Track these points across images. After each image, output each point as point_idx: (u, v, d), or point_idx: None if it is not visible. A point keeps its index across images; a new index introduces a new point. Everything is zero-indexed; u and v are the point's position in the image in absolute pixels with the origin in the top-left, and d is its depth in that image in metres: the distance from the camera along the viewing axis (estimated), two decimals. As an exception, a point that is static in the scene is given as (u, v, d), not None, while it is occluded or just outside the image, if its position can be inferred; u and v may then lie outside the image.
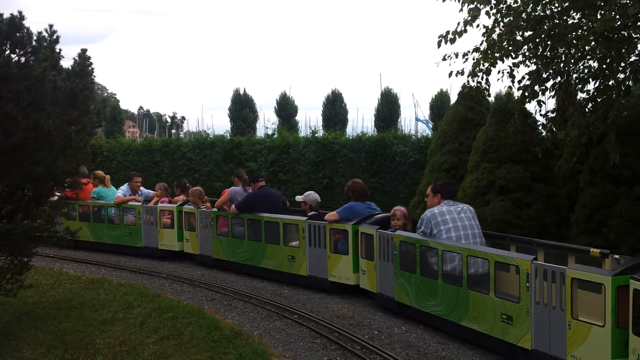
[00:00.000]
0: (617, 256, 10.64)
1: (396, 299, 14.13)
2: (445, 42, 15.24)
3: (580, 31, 14.82)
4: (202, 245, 19.47)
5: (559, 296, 9.72)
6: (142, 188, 23.66)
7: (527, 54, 15.68)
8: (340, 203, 25.87)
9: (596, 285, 9.09)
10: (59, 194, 17.00)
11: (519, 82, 16.26)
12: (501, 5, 15.07)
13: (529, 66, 16.00)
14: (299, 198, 18.27)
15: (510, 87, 16.70)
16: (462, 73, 15.90)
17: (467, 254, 11.79)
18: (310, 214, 17.06)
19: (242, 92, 41.34)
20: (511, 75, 16.20)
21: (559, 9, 14.87)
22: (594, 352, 9.05)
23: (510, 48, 15.36)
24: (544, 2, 14.81)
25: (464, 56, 15.78)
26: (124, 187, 23.13)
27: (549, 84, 16.08)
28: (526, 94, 16.09)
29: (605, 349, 8.84)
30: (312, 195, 18.25)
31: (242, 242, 18.18)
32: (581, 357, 9.27)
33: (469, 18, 14.99)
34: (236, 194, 18.75)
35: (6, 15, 13.71)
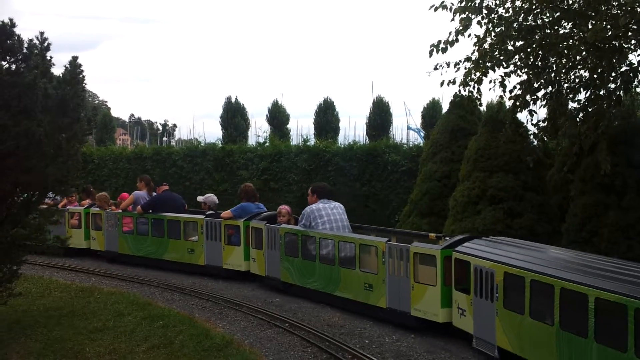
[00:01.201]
0: (446, 237, 14.11)
1: (282, 279, 17.12)
2: (437, 52, 15.27)
3: (571, 41, 14.88)
4: (108, 242, 21.67)
5: (405, 267, 13.55)
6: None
7: (518, 63, 15.72)
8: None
9: (430, 256, 12.94)
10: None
11: (510, 91, 16.30)
12: (492, 15, 15.11)
13: (520, 76, 16.06)
14: (200, 199, 21.44)
15: (501, 97, 16.76)
16: (454, 82, 15.93)
17: (338, 240, 15.42)
18: (208, 213, 19.82)
19: (234, 100, 41.45)
20: (502, 85, 16.24)
21: (550, 19, 14.93)
22: (429, 305, 13.07)
23: (501, 58, 15.40)
24: (535, 12, 14.86)
25: (455, 65, 15.81)
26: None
27: (540, 94, 16.13)
28: (517, 103, 16.12)
29: (437, 302, 12.87)
30: (211, 197, 21.44)
31: (147, 239, 20.58)
32: (420, 309, 13.33)
33: (461, 27, 15.03)
34: (140, 197, 21.24)
35: (-3, 22, 13.71)
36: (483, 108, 20.21)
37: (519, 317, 10.82)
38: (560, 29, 15.00)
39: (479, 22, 15.20)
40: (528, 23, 14.98)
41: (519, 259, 11.31)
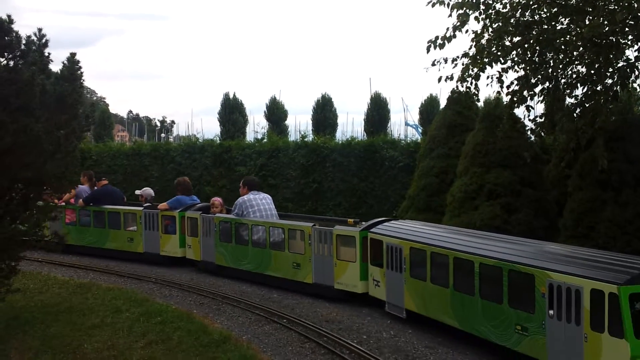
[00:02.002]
0: (362, 222, 16.42)
1: (217, 262, 19.37)
2: (435, 48, 15.27)
3: (568, 37, 14.89)
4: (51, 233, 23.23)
5: (329, 247, 16.04)
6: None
7: (515, 59, 15.72)
8: (330, 207, 25.93)
9: (350, 237, 15.59)
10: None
11: (508, 87, 16.30)
12: (490, 11, 15.11)
13: (517, 71, 16.06)
14: (137, 192, 23.52)
15: (499, 92, 16.74)
16: (452, 78, 15.94)
17: (269, 226, 17.83)
18: (145, 205, 21.81)
19: (232, 96, 41.36)
20: (500, 81, 16.25)
21: (548, 14, 14.93)
22: (350, 278, 15.68)
23: (499, 53, 15.40)
24: (532, 7, 14.87)
25: (453, 61, 15.81)
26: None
27: (537, 89, 16.12)
28: (515, 99, 16.12)
29: (356, 276, 15.51)
30: (148, 190, 23.51)
31: (89, 229, 22.11)
32: (342, 282, 15.92)
33: (458, 23, 15.03)
34: (82, 191, 22.67)
35: (-5, 18, 13.72)
36: (480, 104, 20.22)
37: (422, 284, 13.57)
38: (557, 25, 15.01)
39: (476, 18, 15.21)
40: (525, 19, 14.99)
41: (421, 236, 13.99)
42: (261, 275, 18.04)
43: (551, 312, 10.46)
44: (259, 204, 18.87)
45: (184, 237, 20.30)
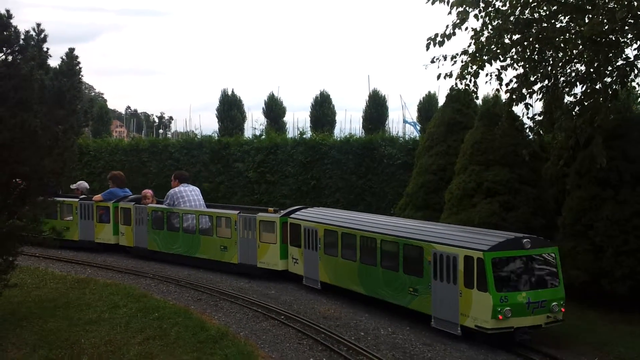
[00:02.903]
0: (281, 210, 19.07)
1: (149, 248, 21.62)
2: (434, 45, 15.26)
3: (568, 35, 14.89)
4: None
5: (253, 232, 18.73)
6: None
7: (515, 57, 15.72)
8: (328, 204, 25.88)
9: (271, 223, 18.31)
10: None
11: (507, 85, 16.29)
12: (489, 9, 15.10)
13: (516, 69, 16.06)
14: (73, 186, 25.33)
15: (498, 90, 16.74)
16: (451, 75, 15.94)
17: (198, 214, 20.40)
18: (81, 197, 23.91)
19: (230, 92, 41.19)
20: (499, 78, 16.25)
21: (547, 12, 14.93)
22: (271, 258, 18.28)
23: (498, 51, 15.40)
24: (532, 5, 14.86)
25: (452, 59, 15.81)
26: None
27: (536, 87, 16.13)
28: (514, 96, 16.12)
29: (276, 255, 18.19)
30: (83, 184, 25.91)
31: None
32: (264, 261, 18.50)
33: (458, 21, 15.02)
34: None
35: (-6, 13, 13.68)
36: (479, 101, 20.20)
37: (334, 259, 16.66)
38: (557, 23, 15.00)
39: (475, 16, 15.21)
40: (525, 16, 14.98)
41: (334, 220, 17.11)
42: (191, 258, 20.64)
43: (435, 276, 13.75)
44: (189, 195, 21.52)
45: (117, 226, 22.60)
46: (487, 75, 16.07)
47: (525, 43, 15.25)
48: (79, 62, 15.18)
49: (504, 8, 14.98)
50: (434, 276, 13.72)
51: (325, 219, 17.39)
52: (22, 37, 14.08)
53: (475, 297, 12.89)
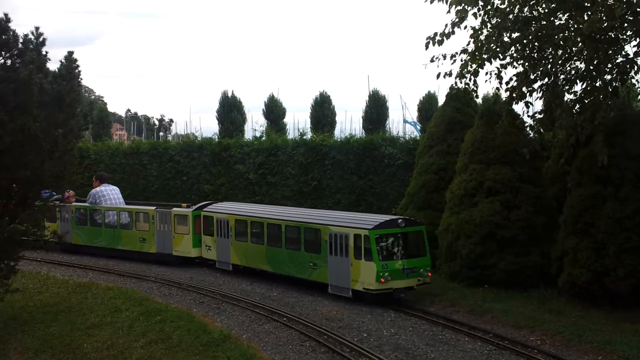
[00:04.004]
0: (193, 206, 22.92)
1: (73, 242, 24.26)
2: (433, 44, 15.21)
3: (567, 32, 14.84)
4: None
5: (168, 224, 22.39)
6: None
7: (514, 55, 15.67)
8: (330, 205, 25.86)
9: (185, 216, 22.18)
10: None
11: (507, 83, 16.24)
12: (488, 7, 15.06)
13: (516, 67, 16.01)
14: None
15: (497, 89, 16.69)
16: (450, 74, 15.87)
17: (119, 211, 23.99)
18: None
19: (230, 94, 41.16)
20: (499, 77, 16.19)
21: (547, 10, 14.88)
22: (185, 247, 22.06)
23: (497, 49, 15.34)
24: (531, 3, 14.82)
25: (451, 58, 15.75)
26: None
27: (536, 85, 16.07)
28: (514, 95, 16.07)
29: (190, 244, 21.91)
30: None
31: None
32: (179, 250, 22.05)
33: (457, 20, 14.97)
34: None
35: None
36: (479, 100, 20.15)
37: (244, 244, 20.45)
38: (556, 20, 14.96)
39: (474, 14, 15.15)
40: (524, 14, 14.94)
41: (243, 211, 21.15)
42: (113, 250, 23.83)
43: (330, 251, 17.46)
44: (109, 194, 24.69)
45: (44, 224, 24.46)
46: (486, 73, 16.03)
47: (525, 41, 15.21)
48: (78, 66, 15.18)
49: (502, 6, 14.93)
50: (329, 252, 17.67)
51: (235, 211, 21.47)
52: (21, 40, 14.09)
53: (363, 266, 16.88)
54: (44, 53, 14.67)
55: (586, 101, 15.62)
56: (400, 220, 17.32)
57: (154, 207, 23.15)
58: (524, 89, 15.96)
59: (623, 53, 15.02)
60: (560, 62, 15.50)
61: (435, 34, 15.18)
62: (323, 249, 17.70)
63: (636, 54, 14.92)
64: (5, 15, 13.67)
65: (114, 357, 12.97)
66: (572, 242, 15.46)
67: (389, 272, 16.48)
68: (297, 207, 24.14)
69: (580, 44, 14.78)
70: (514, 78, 16.07)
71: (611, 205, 15.07)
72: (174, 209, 22.85)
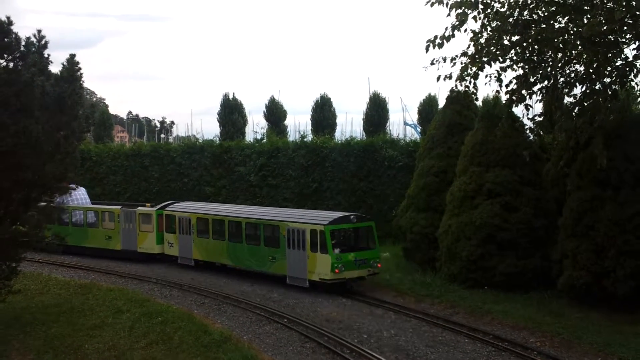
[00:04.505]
0: (156, 205, 24.54)
1: None
2: (434, 47, 15.23)
3: (567, 35, 14.87)
4: None
5: (133, 223, 23.95)
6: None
7: (514, 58, 15.68)
8: (330, 207, 25.93)
9: (149, 215, 23.94)
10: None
11: (507, 86, 16.25)
12: (488, 10, 15.08)
13: (516, 70, 16.02)
14: None
15: (497, 92, 16.70)
16: (450, 77, 15.89)
17: (86, 210, 25.75)
18: None
19: (231, 96, 41.25)
20: (499, 80, 16.20)
21: (546, 13, 14.92)
22: (149, 244, 23.77)
23: (497, 52, 15.37)
24: (531, 6, 14.85)
25: (452, 60, 15.77)
26: None
27: (536, 88, 16.09)
28: (514, 98, 16.09)
29: (154, 241, 23.70)
30: None
31: None
32: (144, 247, 23.79)
33: (457, 23, 14.98)
34: None
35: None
36: (479, 103, 20.18)
37: (206, 240, 22.40)
38: (555, 24, 14.99)
39: (474, 17, 15.18)
40: (524, 17, 14.97)
41: (204, 210, 23.12)
42: (80, 247, 24.79)
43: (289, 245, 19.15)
44: (76, 194, 25.23)
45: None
46: (486, 76, 16.04)
47: (525, 44, 15.24)
48: (80, 68, 15.23)
49: (502, 9, 14.97)
50: (288, 246, 19.25)
51: (197, 210, 23.37)
52: (23, 43, 14.15)
53: (318, 259, 18.40)
54: (46, 56, 14.74)
55: (586, 104, 15.66)
56: (352, 217, 19.49)
57: (119, 207, 25.12)
58: (523, 91, 15.99)
59: (622, 56, 15.05)
60: (560, 65, 15.54)
61: (436, 37, 15.21)
62: (282, 244, 19.46)
63: (635, 57, 14.97)
64: (8, 18, 13.76)
65: (115, 358, 13.04)
66: (571, 245, 15.51)
67: (343, 263, 18.16)
68: (270, 207, 25.41)
69: (579, 47, 14.82)
70: (514, 81, 16.10)
71: (610, 207, 15.11)
72: (139, 208, 24.72)
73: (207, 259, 22.21)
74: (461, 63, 15.74)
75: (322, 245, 18.31)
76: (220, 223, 21.85)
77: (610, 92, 15.16)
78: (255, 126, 42.28)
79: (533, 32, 14.90)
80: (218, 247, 21.75)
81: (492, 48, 15.39)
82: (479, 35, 15.47)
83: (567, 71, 15.86)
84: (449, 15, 14.94)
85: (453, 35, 15.12)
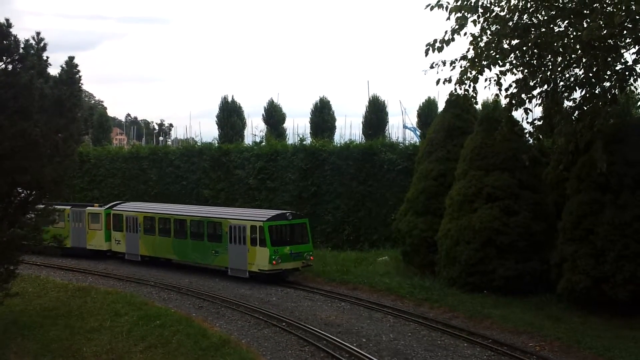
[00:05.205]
0: (105, 205, 26.27)
1: None
2: (433, 50, 15.23)
3: (566, 40, 14.88)
4: None
5: (82, 222, 26.13)
6: None
7: (514, 62, 15.69)
8: (329, 210, 25.93)
9: (98, 214, 26.05)
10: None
11: (506, 90, 16.25)
12: (488, 14, 15.09)
13: (515, 74, 16.03)
14: None
15: (497, 95, 16.71)
16: (450, 81, 15.88)
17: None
18: None
19: (230, 99, 41.26)
20: (498, 83, 16.20)
21: (546, 17, 14.92)
22: (97, 241, 25.97)
23: (497, 56, 15.37)
24: (530, 10, 14.85)
25: (451, 64, 15.77)
26: None
27: (535, 92, 16.09)
28: (513, 101, 16.08)
29: (102, 239, 25.75)
30: None
31: None
32: (92, 244, 25.96)
33: (457, 26, 14.99)
34: None
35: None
36: (479, 107, 20.17)
37: (152, 237, 24.22)
38: (555, 28, 14.99)
39: (474, 21, 15.18)
40: (523, 21, 14.97)
41: (151, 209, 24.86)
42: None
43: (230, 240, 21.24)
44: None
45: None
46: (486, 80, 16.04)
47: (524, 48, 15.24)
48: (79, 71, 15.21)
49: (502, 13, 14.97)
50: (230, 241, 21.31)
51: (144, 209, 25.24)
52: (22, 45, 14.12)
53: (258, 252, 20.49)
54: (44, 58, 14.71)
55: (585, 108, 15.67)
56: (288, 214, 21.58)
57: (69, 206, 26.34)
58: (523, 95, 15.99)
59: (622, 60, 15.06)
60: (559, 69, 15.54)
61: (435, 40, 15.20)
62: (224, 239, 21.65)
63: (635, 61, 14.97)
64: (7, 20, 13.72)
65: (113, 362, 12.98)
66: (571, 249, 15.49)
67: (280, 256, 20.36)
68: (218, 206, 27.03)
69: (579, 51, 14.82)
70: (514, 85, 16.10)
71: (610, 211, 15.10)
72: (88, 207, 26.52)
73: (154, 254, 24.30)
74: (461, 67, 15.74)
75: (261, 239, 20.51)
76: (166, 221, 24.01)
77: (609, 96, 15.17)
78: (254, 129, 42.25)
79: (533, 36, 14.90)
80: (164, 243, 23.86)
81: (492, 52, 15.40)
82: (479, 39, 15.47)
83: (567, 75, 15.87)
84: (448, 19, 14.95)
85: (453, 39, 15.12)
